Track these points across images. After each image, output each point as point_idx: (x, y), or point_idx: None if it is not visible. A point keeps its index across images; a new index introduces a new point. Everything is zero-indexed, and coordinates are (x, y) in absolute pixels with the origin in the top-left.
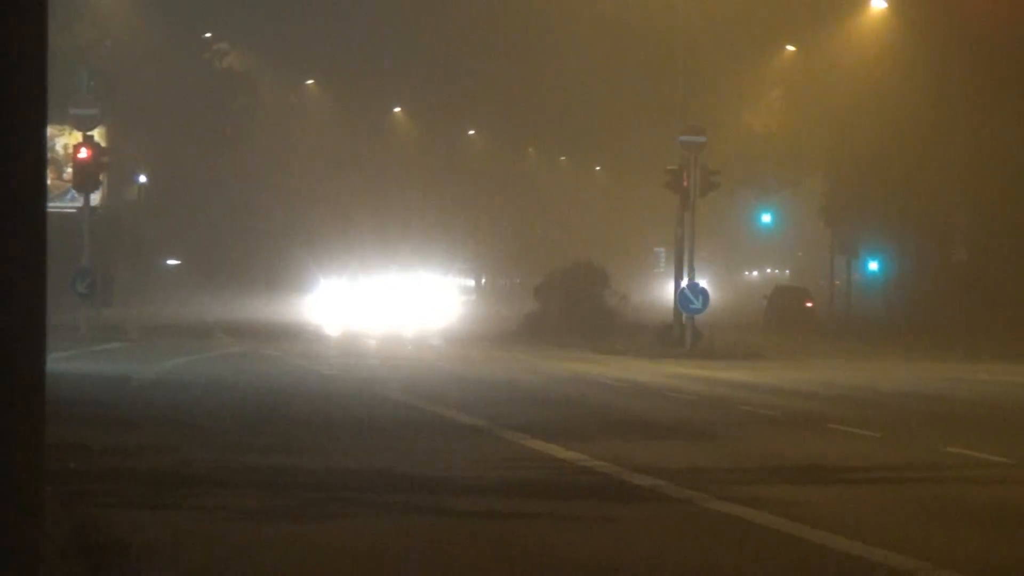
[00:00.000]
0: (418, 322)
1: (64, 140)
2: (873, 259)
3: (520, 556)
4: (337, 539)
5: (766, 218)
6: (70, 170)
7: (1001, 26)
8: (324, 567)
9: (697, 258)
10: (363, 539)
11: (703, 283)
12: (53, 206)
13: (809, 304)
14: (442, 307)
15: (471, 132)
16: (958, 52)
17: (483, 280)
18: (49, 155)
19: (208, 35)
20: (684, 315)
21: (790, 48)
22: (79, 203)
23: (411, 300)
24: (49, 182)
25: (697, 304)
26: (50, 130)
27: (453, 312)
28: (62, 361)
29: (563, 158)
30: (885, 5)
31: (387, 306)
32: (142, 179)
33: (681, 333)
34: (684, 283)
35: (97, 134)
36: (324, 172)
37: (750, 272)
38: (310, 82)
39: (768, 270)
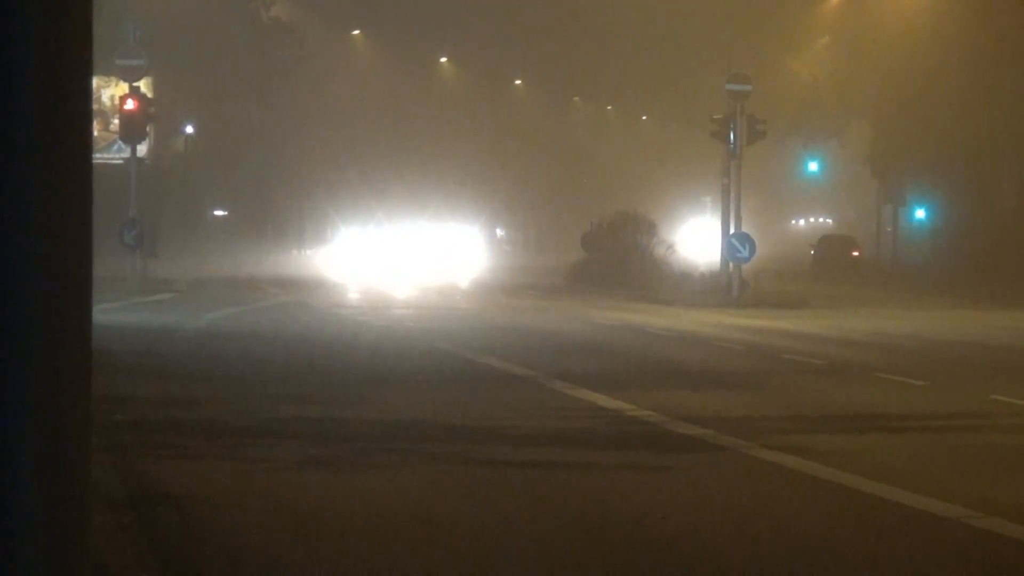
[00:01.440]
0: (457, 272)
1: (111, 91)
2: (920, 207)
3: (568, 505)
4: (383, 489)
5: (813, 166)
6: (117, 121)
7: None
8: (370, 517)
9: (744, 207)
10: (409, 490)
11: (749, 232)
12: (100, 157)
13: (856, 253)
14: (476, 257)
15: (518, 82)
16: None
17: (500, 232)
18: (96, 106)
19: None
20: (731, 264)
21: None
22: (126, 154)
23: (444, 250)
24: (96, 133)
25: (744, 253)
26: (96, 81)
27: (489, 262)
28: (110, 312)
29: (609, 107)
30: None
31: (418, 256)
32: (189, 130)
33: (728, 282)
34: (731, 232)
35: (143, 85)
36: (369, 122)
37: (796, 221)
38: (356, 32)
39: (815, 219)
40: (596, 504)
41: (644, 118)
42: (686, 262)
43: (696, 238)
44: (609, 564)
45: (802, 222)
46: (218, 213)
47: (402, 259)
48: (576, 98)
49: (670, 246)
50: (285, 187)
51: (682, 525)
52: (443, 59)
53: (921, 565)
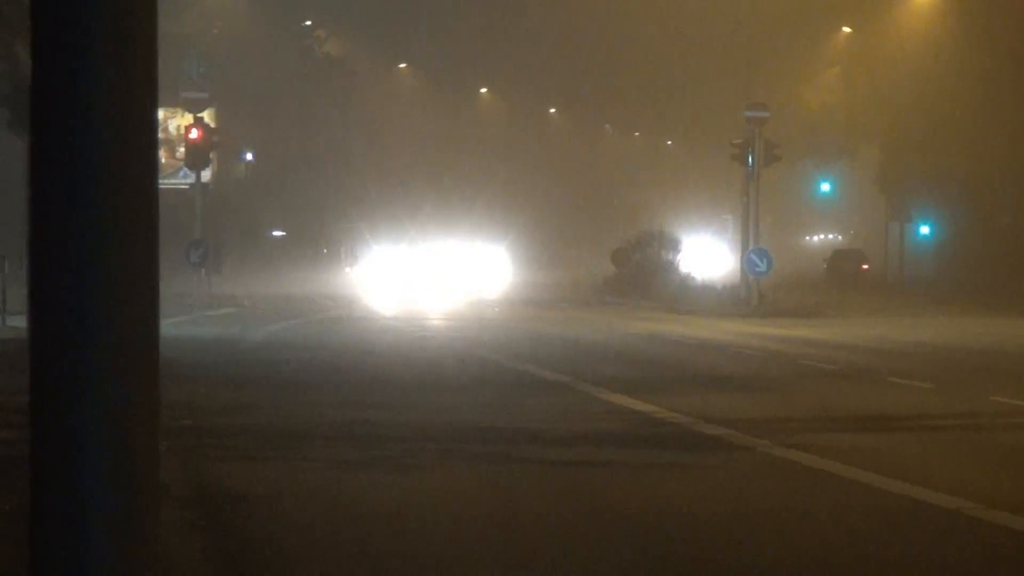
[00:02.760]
0: (489, 287)
1: (177, 121)
2: (924, 224)
3: (601, 501)
4: (427, 486)
5: (825, 187)
6: (182, 149)
7: None
8: (414, 512)
9: (761, 224)
10: (451, 487)
11: (767, 248)
12: (166, 183)
13: (865, 266)
14: (505, 273)
15: (552, 111)
16: (1003, 30)
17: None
18: (162, 136)
19: (308, 23)
20: (750, 277)
21: (846, 30)
22: (191, 180)
23: (475, 266)
24: (163, 161)
25: (762, 267)
26: (163, 112)
27: (519, 278)
28: (177, 326)
29: (637, 134)
30: None
31: (450, 273)
32: (249, 157)
33: (747, 294)
34: (750, 248)
35: (207, 115)
36: (413, 147)
37: (810, 237)
38: (403, 66)
39: (826, 236)
40: (625, 501)
41: (669, 143)
42: (709, 275)
43: (698, 253)
44: (636, 552)
45: (816, 238)
46: (275, 234)
47: (437, 275)
48: (607, 125)
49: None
50: (335, 209)
51: (706, 516)
52: (483, 90)
53: (928, 553)
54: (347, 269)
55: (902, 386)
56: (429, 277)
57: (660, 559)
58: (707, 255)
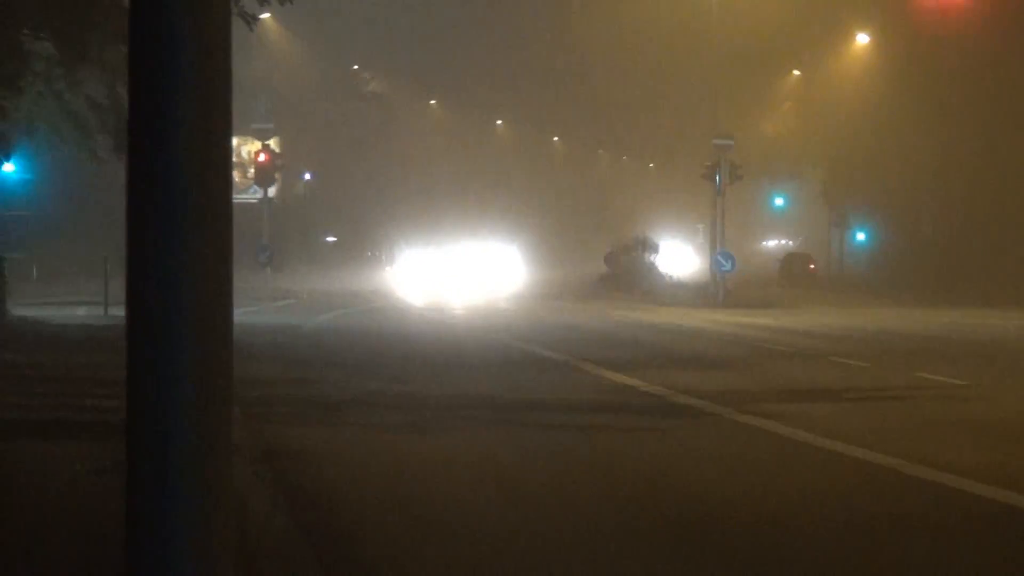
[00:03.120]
0: (501, 283)
1: (248, 148)
2: (861, 231)
3: (594, 457)
4: (454, 445)
5: (779, 201)
6: (253, 170)
7: (960, 52)
8: (442, 465)
9: (727, 231)
10: (473, 446)
11: (731, 250)
12: (239, 198)
13: (812, 267)
14: (515, 271)
15: (556, 139)
16: (926, 75)
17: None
18: (236, 159)
19: (356, 67)
20: (717, 275)
21: (796, 73)
22: (260, 195)
23: (489, 265)
24: (236, 180)
25: (727, 266)
26: (237, 140)
27: (526, 276)
28: (248, 315)
29: (625, 157)
30: (868, 39)
31: (470, 271)
32: (307, 176)
33: (715, 289)
34: (717, 250)
35: (273, 143)
36: (440, 170)
37: (767, 242)
38: (433, 102)
39: (780, 241)
40: (614, 456)
41: (651, 165)
42: (684, 274)
43: (675, 256)
44: (623, 497)
45: (771, 243)
46: (329, 239)
47: (459, 273)
48: (600, 151)
49: (672, 262)
50: (378, 219)
51: (681, 469)
52: (499, 122)
53: (861, 501)
54: (387, 268)
55: (843, 364)
56: (453, 275)
57: (640, 497)
58: (681, 257)
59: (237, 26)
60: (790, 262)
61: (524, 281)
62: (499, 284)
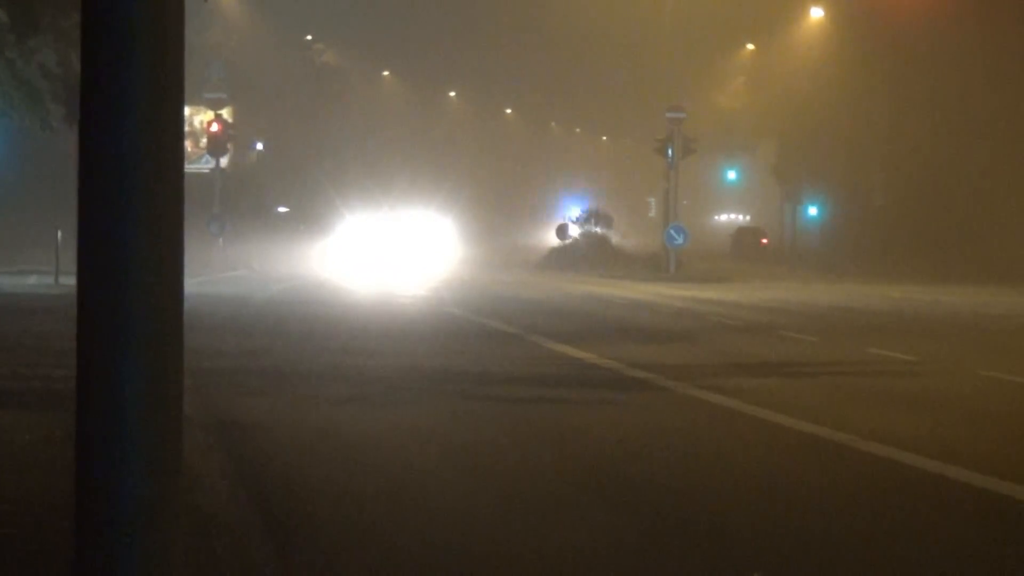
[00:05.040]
0: (455, 254)
1: (200, 117)
2: (812, 206)
3: (545, 429)
4: (402, 418)
5: (731, 175)
6: (205, 140)
7: (910, 29)
8: (388, 436)
9: (679, 206)
10: (423, 418)
11: (683, 225)
12: (191, 168)
13: (764, 241)
14: (465, 242)
15: (508, 111)
16: (878, 48)
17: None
18: (188, 129)
19: (309, 37)
20: (669, 249)
21: (750, 47)
22: (211, 165)
23: (445, 237)
24: (188, 150)
25: (679, 240)
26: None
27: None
28: (198, 285)
29: (577, 130)
30: (822, 14)
31: (422, 241)
32: (259, 146)
33: (667, 263)
34: (670, 224)
35: (225, 112)
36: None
37: (719, 217)
38: (386, 73)
39: (733, 216)
40: (565, 430)
41: (604, 138)
42: (636, 247)
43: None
44: (575, 468)
45: (724, 217)
46: (281, 210)
47: (409, 242)
48: (552, 123)
49: (624, 235)
50: (329, 190)
51: (632, 441)
52: (452, 93)
53: (812, 476)
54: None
55: (793, 339)
56: (403, 245)
57: (592, 468)
58: (633, 230)
59: None
60: (742, 237)
61: (476, 252)
62: (451, 255)
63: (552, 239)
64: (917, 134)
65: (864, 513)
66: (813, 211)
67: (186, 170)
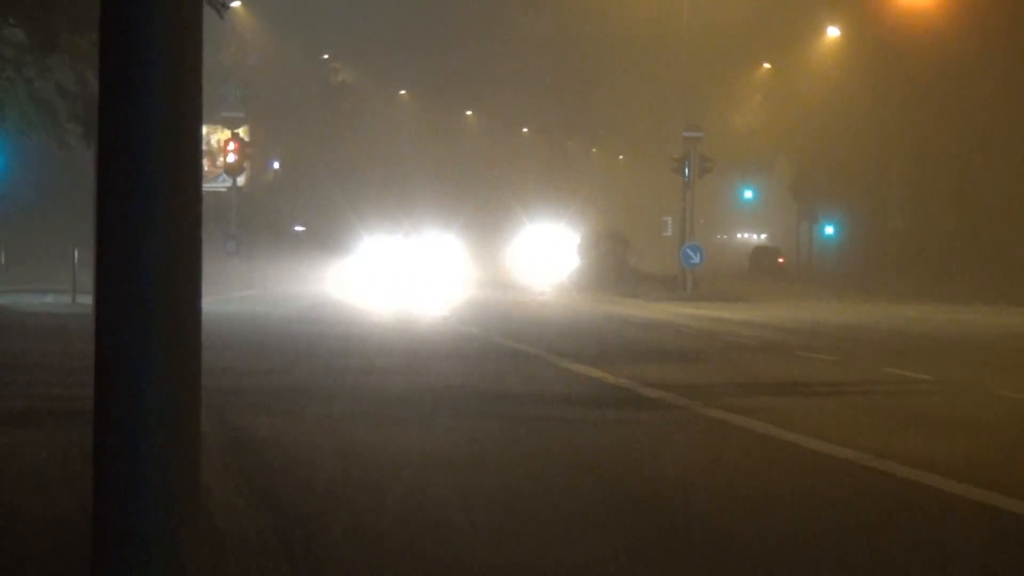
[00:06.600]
0: (476, 273)
1: (217, 136)
2: (829, 225)
3: (561, 447)
4: (416, 437)
5: (748, 194)
6: (222, 159)
7: (929, 45)
8: (401, 455)
9: (695, 225)
10: (438, 437)
11: (700, 244)
12: (208, 186)
13: (781, 260)
14: (486, 262)
15: (524, 130)
16: (896, 66)
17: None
18: (205, 148)
19: (326, 56)
20: (686, 268)
21: (766, 66)
22: (228, 183)
23: (467, 256)
24: (205, 168)
25: (696, 260)
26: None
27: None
28: (215, 303)
29: (594, 150)
30: (838, 33)
31: (442, 260)
32: (276, 165)
33: (683, 282)
34: (686, 244)
35: (242, 131)
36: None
37: (724, 235)
38: (403, 92)
39: (749, 235)
40: (580, 447)
41: (621, 158)
42: (652, 267)
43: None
44: (592, 485)
45: (740, 236)
46: (298, 228)
47: (430, 262)
48: (569, 143)
49: (641, 255)
50: (347, 209)
51: (647, 460)
52: (468, 112)
53: (826, 495)
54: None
55: (809, 359)
56: (422, 266)
57: (607, 486)
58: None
59: (207, 14)
60: (759, 256)
61: (496, 271)
62: (472, 274)
63: (569, 260)
64: (935, 152)
65: (884, 534)
66: (830, 230)
67: (203, 189)
